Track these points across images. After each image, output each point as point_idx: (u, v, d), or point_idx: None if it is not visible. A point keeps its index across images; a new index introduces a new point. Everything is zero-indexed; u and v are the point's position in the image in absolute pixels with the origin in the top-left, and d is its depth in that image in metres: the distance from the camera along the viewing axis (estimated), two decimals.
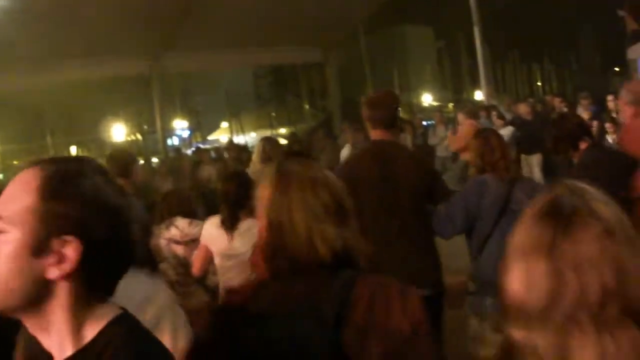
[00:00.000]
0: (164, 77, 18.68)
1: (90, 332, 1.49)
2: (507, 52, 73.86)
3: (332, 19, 14.07)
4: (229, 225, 5.18)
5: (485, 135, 5.00)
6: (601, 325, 1.24)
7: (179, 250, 5.59)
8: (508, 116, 14.82)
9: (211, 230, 5.31)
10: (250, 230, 4.79)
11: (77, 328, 1.49)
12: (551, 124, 5.70)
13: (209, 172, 13.46)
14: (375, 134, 4.85)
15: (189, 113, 53.73)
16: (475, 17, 15.67)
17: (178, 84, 53.20)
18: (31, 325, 1.50)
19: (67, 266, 1.44)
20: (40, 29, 11.11)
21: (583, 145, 5.10)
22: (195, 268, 5.45)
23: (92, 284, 1.51)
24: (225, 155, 17.16)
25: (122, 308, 1.58)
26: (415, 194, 4.67)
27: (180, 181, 12.94)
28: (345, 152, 12.32)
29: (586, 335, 1.24)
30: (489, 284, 4.53)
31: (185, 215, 5.85)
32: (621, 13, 30.04)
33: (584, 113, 13.85)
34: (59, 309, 1.46)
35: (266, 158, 7.09)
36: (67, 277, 1.46)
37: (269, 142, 7.73)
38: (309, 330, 1.81)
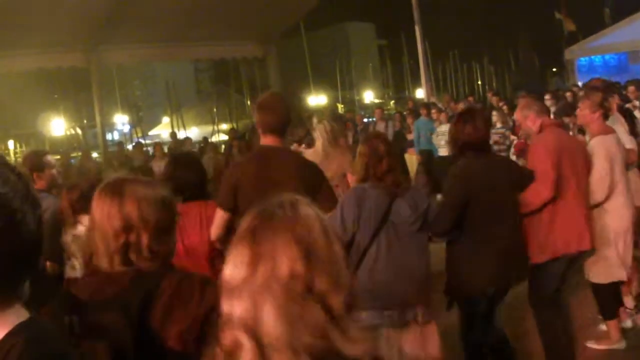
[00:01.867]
0: (104, 71, 18.36)
1: None
2: (448, 51, 74.87)
3: (274, 14, 14.00)
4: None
5: (373, 144, 4.65)
6: (289, 297, 1.49)
7: None
8: (449, 113, 15.01)
9: None
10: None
11: None
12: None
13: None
14: (263, 139, 4.71)
15: (130, 108, 53.02)
16: (416, 16, 15.82)
17: (119, 79, 52.51)
18: None
19: None
20: None
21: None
22: None
23: None
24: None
25: (32, 312, 1.42)
26: None
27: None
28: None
29: (275, 303, 1.49)
30: (364, 297, 4.58)
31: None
32: (558, 15, 30.82)
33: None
34: None
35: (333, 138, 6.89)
36: None
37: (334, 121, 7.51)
38: (116, 315, 2.20)
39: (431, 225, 4.62)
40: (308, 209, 1.67)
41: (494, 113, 13.07)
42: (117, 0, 11.55)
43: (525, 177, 5.10)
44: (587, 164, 5.50)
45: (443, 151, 13.35)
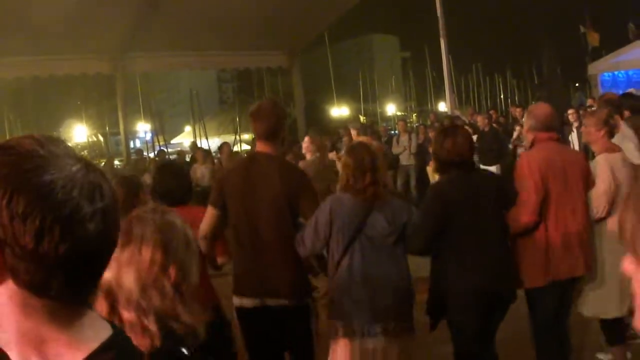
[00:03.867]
0: (128, 78, 18.48)
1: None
2: (471, 64, 74.75)
3: (299, 25, 14.04)
4: None
5: (358, 156, 4.56)
6: (147, 271, 2.07)
7: None
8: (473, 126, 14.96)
9: None
10: None
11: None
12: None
13: (201, 171, 14.22)
14: (258, 146, 4.86)
15: (153, 116, 53.27)
16: (441, 29, 15.78)
17: (142, 87, 52.83)
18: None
19: None
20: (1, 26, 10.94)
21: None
22: None
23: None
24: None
25: (113, 325, 1.28)
26: (277, 208, 4.61)
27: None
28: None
29: (136, 274, 2.06)
30: (336, 306, 4.55)
31: None
32: (583, 29, 30.61)
33: None
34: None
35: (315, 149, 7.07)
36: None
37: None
38: None
39: (406, 243, 4.56)
40: (174, 219, 2.19)
41: (517, 127, 13.01)
42: (144, 8, 11.64)
43: (509, 198, 4.87)
44: (586, 181, 5.21)
45: None
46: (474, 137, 13.59)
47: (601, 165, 5.38)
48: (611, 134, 5.69)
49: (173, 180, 5.06)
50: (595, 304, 5.38)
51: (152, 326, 1.82)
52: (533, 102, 55.82)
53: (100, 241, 1.15)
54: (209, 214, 4.68)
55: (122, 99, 15.33)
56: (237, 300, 4.69)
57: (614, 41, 28.41)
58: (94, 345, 1.18)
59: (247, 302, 4.65)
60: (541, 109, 5.47)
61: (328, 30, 26.65)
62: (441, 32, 15.76)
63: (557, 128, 5.81)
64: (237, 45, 14.43)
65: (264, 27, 13.36)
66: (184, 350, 1.45)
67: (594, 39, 29.11)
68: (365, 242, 4.44)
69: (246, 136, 37.11)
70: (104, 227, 1.15)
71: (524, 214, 4.83)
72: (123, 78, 15.21)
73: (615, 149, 5.60)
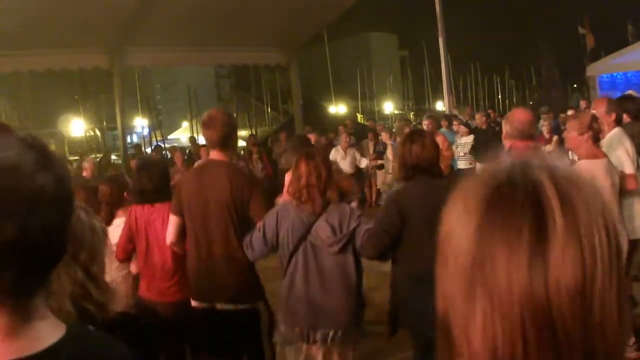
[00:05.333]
0: (126, 73, 18.42)
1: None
2: (469, 64, 74.69)
3: (298, 22, 14.00)
4: (106, 221, 5.40)
5: (309, 165, 4.52)
6: None
7: None
8: (471, 125, 14.96)
9: None
10: (120, 226, 5.29)
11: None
12: None
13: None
14: (210, 154, 5.03)
15: (150, 111, 53.20)
16: (440, 28, 15.74)
17: (140, 82, 52.75)
18: None
19: None
20: None
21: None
22: None
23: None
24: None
25: (72, 327, 1.31)
26: (228, 214, 4.73)
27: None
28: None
29: None
30: (284, 312, 4.60)
31: None
32: (581, 30, 30.64)
33: (544, 127, 14.05)
34: None
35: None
36: None
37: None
38: None
39: (360, 248, 4.54)
40: (83, 214, 2.25)
41: None
42: (142, 2, 11.59)
43: None
44: None
45: (462, 164, 13.33)
46: (470, 137, 13.70)
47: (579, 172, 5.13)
48: (595, 138, 5.44)
49: (148, 180, 5.23)
50: None
51: (69, 308, 1.92)
52: (531, 103, 55.86)
53: (46, 235, 1.16)
54: (172, 222, 4.88)
55: (120, 94, 15.28)
56: (190, 303, 4.88)
57: (613, 43, 28.50)
58: (36, 348, 1.18)
59: (199, 305, 4.82)
60: (518, 115, 5.31)
61: (327, 28, 26.62)
62: (440, 31, 15.73)
63: (534, 135, 5.47)
64: (235, 41, 14.39)
65: (263, 24, 13.33)
66: (91, 328, 1.47)
67: (592, 40, 29.17)
68: (310, 250, 4.48)
69: (243, 132, 37.10)
70: (50, 219, 1.17)
71: None
72: (120, 73, 15.15)
73: (599, 155, 5.38)
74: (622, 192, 5.62)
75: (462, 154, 13.52)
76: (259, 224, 4.61)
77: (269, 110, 59.19)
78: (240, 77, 66.77)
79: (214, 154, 4.95)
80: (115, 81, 14.97)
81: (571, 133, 5.46)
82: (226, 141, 4.90)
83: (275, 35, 14.42)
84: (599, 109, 6.02)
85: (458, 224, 1.00)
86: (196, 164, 8.37)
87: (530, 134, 5.15)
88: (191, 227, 4.83)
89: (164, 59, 16.41)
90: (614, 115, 5.92)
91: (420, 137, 4.73)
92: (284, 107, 55.10)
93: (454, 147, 14.45)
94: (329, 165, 4.62)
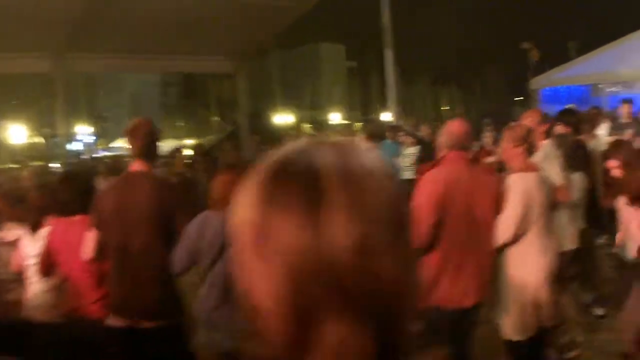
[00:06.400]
0: (69, 80, 18.02)
1: None
2: (416, 75, 75.52)
3: (247, 31, 13.89)
4: (34, 229, 5.42)
5: (227, 175, 4.66)
6: None
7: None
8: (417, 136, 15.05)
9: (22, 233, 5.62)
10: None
11: None
12: None
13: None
14: (133, 164, 4.92)
15: (94, 118, 52.50)
16: (387, 39, 15.83)
17: (84, 88, 51.99)
18: None
19: None
20: None
21: None
22: (14, 266, 5.69)
23: None
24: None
25: None
26: (151, 226, 4.65)
27: None
28: None
29: None
30: (203, 322, 4.60)
31: None
32: (526, 45, 31.26)
33: (487, 138, 14.22)
34: None
35: None
36: None
37: None
38: None
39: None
40: None
41: None
42: (86, 7, 11.35)
43: None
44: (495, 206, 4.94)
45: (408, 174, 13.36)
46: (417, 148, 13.78)
47: (513, 187, 5.08)
48: (529, 151, 5.43)
49: (67, 192, 5.17)
50: (502, 326, 5.24)
51: None
52: (476, 115, 56.67)
53: None
54: (90, 237, 4.75)
55: (62, 100, 14.94)
56: (110, 320, 4.71)
57: (556, 57, 29.24)
58: None
59: (119, 322, 4.67)
60: (456, 126, 5.26)
61: (276, 37, 26.58)
62: (387, 43, 15.81)
63: (469, 146, 5.42)
64: (181, 49, 14.22)
65: (211, 33, 13.19)
66: None
67: (536, 54, 29.83)
68: (229, 261, 4.40)
69: (189, 141, 36.80)
70: None
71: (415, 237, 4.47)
72: (63, 78, 14.82)
73: (533, 168, 5.36)
74: (554, 205, 5.60)
75: (408, 164, 13.57)
76: (183, 237, 4.55)
77: (216, 119, 58.93)
78: (187, 86, 66.43)
79: (137, 165, 4.84)
80: (57, 87, 14.64)
81: (505, 144, 5.42)
82: (148, 151, 4.81)
83: (223, 44, 14.30)
84: (530, 121, 6.11)
85: (244, 202, 1.10)
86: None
87: (464, 146, 5.11)
88: (111, 242, 4.69)
89: (109, 65, 16.14)
90: (545, 127, 6.00)
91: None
92: (230, 115, 54.96)
93: (400, 158, 14.52)
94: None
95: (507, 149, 5.38)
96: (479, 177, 5.07)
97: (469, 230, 4.77)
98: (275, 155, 1.11)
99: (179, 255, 4.51)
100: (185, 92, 67.73)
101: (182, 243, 4.52)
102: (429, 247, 4.68)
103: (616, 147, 6.53)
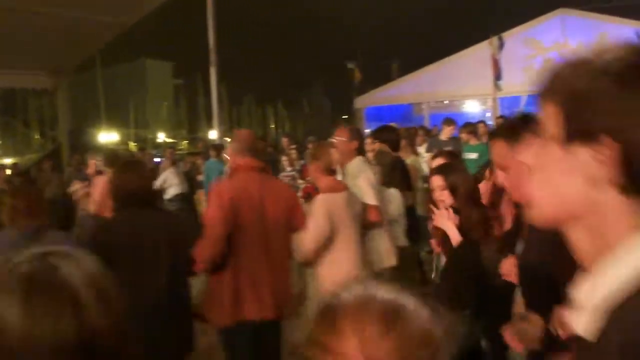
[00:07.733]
0: None
1: None
2: (243, 94, 76.07)
3: (65, 45, 13.49)
4: None
5: (19, 192, 4.46)
6: None
7: None
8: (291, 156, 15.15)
9: None
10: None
11: None
12: None
13: None
14: None
15: None
16: (212, 58, 15.98)
17: None
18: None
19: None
20: None
21: None
22: None
23: None
24: None
25: None
26: None
27: None
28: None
29: None
30: None
31: None
32: (350, 65, 32.28)
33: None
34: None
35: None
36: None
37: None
38: None
39: None
40: None
41: (284, 157, 13.50)
42: None
43: (185, 235, 4.48)
44: (291, 218, 4.86)
45: None
46: None
47: (317, 207, 5.04)
48: (331, 170, 5.31)
49: None
50: None
51: None
52: (302, 132, 57.61)
53: None
54: None
55: None
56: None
57: (379, 77, 30.54)
58: None
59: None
60: (244, 134, 5.26)
61: (100, 52, 25.99)
62: (212, 62, 15.97)
63: (262, 157, 5.27)
64: (0, 63, 13.66)
65: (30, 46, 12.75)
66: None
67: (359, 75, 30.89)
68: None
69: (8, 160, 35.04)
70: None
71: (206, 247, 4.46)
72: None
73: (339, 188, 5.28)
74: (366, 224, 5.58)
75: None
76: None
77: (37, 136, 56.52)
78: (7, 102, 63.17)
79: None
80: None
81: (313, 165, 5.36)
82: None
83: (43, 58, 13.85)
84: (340, 138, 6.00)
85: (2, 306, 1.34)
86: None
87: (255, 152, 4.96)
88: None
89: None
90: (355, 144, 5.95)
91: (137, 167, 4.65)
92: (52, 133, 52.86)
93: (223, 177, 14.59)
94: (30, 193, 4.47)
95: (314, 168, 5.34)
96: (273, 188, 4.93)
97: (265, 242, 4.69)
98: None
99: None
100: (5, 108, 64.35)
101: None
102: (223, 260, 4.55)
103: (441, 168, 6.60)
